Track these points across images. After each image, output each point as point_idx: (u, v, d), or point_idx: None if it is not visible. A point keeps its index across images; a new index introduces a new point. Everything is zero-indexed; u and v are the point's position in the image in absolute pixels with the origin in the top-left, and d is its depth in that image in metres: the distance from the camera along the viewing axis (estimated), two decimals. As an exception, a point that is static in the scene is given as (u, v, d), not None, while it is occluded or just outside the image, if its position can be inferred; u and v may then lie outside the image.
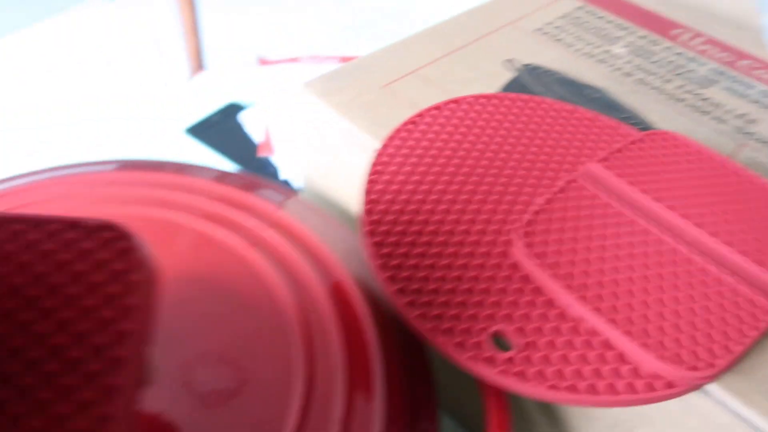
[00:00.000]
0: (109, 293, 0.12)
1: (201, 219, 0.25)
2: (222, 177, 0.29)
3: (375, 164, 0.24)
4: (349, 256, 0.26)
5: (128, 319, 0.11)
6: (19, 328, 0.11)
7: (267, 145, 0.46)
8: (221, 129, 0.48)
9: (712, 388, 0.19)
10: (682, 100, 0.29)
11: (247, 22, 0.62)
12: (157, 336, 0.21)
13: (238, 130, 0.47)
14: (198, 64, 0.85)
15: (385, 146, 0.25)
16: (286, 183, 0.43)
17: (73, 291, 0.12)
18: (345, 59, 0.58)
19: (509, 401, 0.22)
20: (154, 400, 0.19)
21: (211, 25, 0.64)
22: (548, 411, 0.25)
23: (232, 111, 0.49)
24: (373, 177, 0.24)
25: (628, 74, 0.31)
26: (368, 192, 0.23)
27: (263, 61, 0.56)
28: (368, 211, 0.23)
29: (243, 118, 0.48)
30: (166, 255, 0.24)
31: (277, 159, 0.44)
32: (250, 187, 0.29)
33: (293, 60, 0.56)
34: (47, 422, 0.10)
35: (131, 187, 0.27)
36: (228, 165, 0.44)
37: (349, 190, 0.29)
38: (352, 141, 0.27)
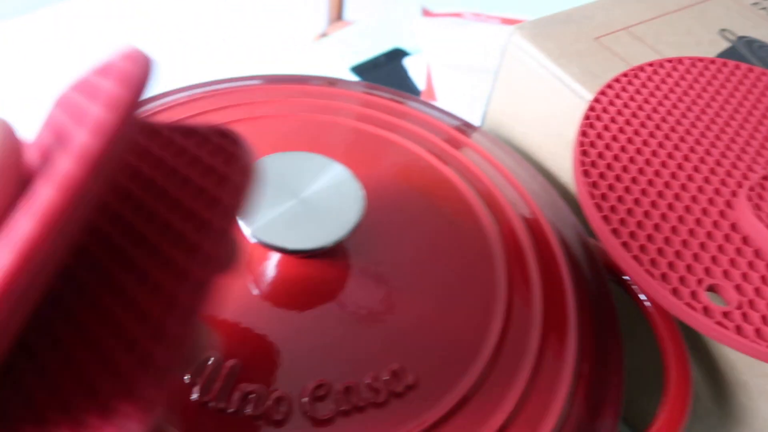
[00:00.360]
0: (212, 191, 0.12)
1: (402, 137, 0.27)
2: (425, 105, 0.30)
3: (591, 110, 0.25)
4: (538, 195, 0.26)
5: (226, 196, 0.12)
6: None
7: (430, 91, 0.47)
8: (386, 71, 0.49)
9: None
10: None
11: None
12: (379, 229, 0.22)
13: (403, 74, 0.49)
14: (338, 14, 0.87)
15: (602, 93, 0.25)
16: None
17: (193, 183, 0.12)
18: (506, 21, 0.58)
19: (690, 365, 0.22)
20: (368, 293, 0.21)
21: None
22: (715, 384, 0.25)
23: (396, 55, 0.51)
24: (589, 122, 0.24)
25: None
26: (583, 134, 0.24)
27: (427, 13, 0.57)
28: (584, 152, 0.23)
29: (408, 63, 0.50)
30: (372, 165, 0.26)
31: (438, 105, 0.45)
32: (443, 113, 0.30)
33: (456, 15, 0.57)
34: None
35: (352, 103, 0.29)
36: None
37: (539, 136, 0.30)
38: (559, 88, 0.27)
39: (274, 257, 0.21)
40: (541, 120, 0.29)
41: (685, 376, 0.22)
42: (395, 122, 0.28)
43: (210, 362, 0.18)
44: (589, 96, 0.26)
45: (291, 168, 0.21)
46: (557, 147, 0.29)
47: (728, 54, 0.29)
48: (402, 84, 0.48)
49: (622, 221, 0.21)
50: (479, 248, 0.23)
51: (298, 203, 0.20)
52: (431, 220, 0.24)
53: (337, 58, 0.51)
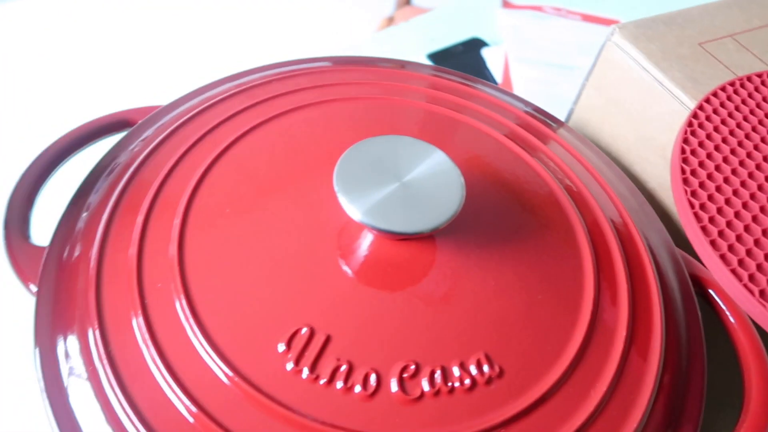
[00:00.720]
0: None
1: (500, 132, 0.27)
2: (508, 95, 0.30)
3: (694, 117, 0.24)
4: (626, 199, 0.26)
5: None
6: None
7: (507, 84, 0.47)
8: (463, 60, 0.49)
9: None
10: None
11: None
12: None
13: (480, 64, 0.49)
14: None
15: (706, 101, 0.25)
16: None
17: None
18: (588, 17, 0.57)
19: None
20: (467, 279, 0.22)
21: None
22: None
23: (474, 45, 0.50)
24: (691, 129, 0.24)
25: None
26: (685, 142, 0.24)
27: (507, 3, 0.56)
28: (684, 160, 0.23)
29: (486, 54, 0.49)
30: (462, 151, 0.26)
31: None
32: (531, 107, 0.30)
33: (536, 8, 0.56)
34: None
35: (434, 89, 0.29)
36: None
37: (629, 139, 0.30)
38: (659, 92, 0.27)
39: (369, 238, 0.21)
40: (633, 123, 0.29)
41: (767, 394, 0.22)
42: (481, 110, 0.28)
43: (303, 332, 0.19)
44: (690, 102, 0.26)
45: (393, 152, 0.21)
46: (648, 152, 0.29)
47: (840, 70, 0.28)
48: (479, 74, 0.48)
49: (721, 233, 0.21)
50: (567, 245, 0.23)
51: (401, 187, 0.20)
52: (519, 211, 0.24)
53: (414, 45, 0.51)
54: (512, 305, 0.21)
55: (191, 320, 0.19)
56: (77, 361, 0.19)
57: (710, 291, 0.24)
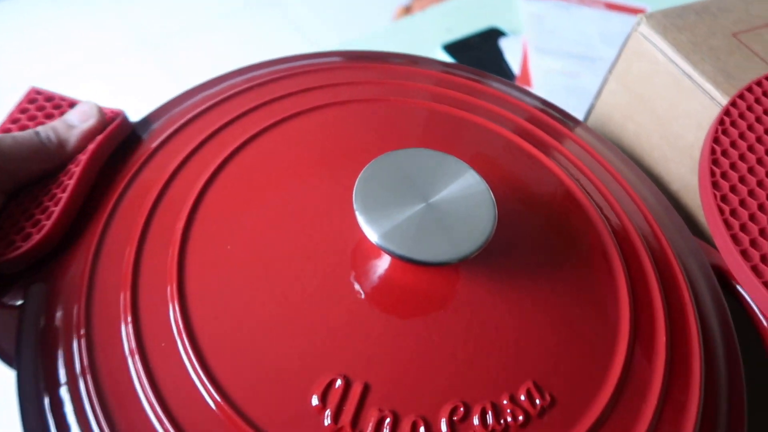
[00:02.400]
0: None
1: (518, 135, 0.26)
2: (524, 93, 0.29)
3: (726, 114, 0.23)
4: (650, 204, 0.25)
5: None
6: None
7: (525, 76, 0.45)
8: (479, 51, 0.48)
9: None
10: None
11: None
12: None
13: (497, 55, 0.47)
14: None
15: (739, 96, 0.23)
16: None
17: None
18: (611, 6, 0.55)
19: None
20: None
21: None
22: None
23: (491, 35, 0.49)
24: (723, 128, 0.23)
25: None
26: (715, 141, 0.22)
27: (527, -8, 0.55)
28: (714, 161, 0.22)
29: (504, 45, 0.48)
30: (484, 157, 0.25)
31: (534, 92, 0.44)
32: (547, 105, 0.29)
33: (559, -3, 0.55)
34: None
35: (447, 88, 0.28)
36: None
37: (654, 137, 0.28)
38: (688, 86, 0.26)
39: (395, 266, 0.20)
40: (659, 120, 0.28)
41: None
42: (497, 111, 0.27)
43: (338, 385, 0.18)
44: (722, 98, 0.24)
45: (420, 167, 0.20)
46: (674, 152, 0.27)
47: None
48: (496, 66, 0.46)
49: (754, 242, 0.20)
50: (598, 261, 0.22)
51: (427, 209, 0.19)
52: (546, 227, 0.23)
53: (430, 36, 0.50)
54: (552, 329, 0.20)
55: (208, 385, 0.17)
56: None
57: (744, 296, 0.23)
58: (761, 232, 0.20)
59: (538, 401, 0.18)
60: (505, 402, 0.18)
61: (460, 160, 0.20)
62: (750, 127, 0.23)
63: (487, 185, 0.20)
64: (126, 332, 0.18)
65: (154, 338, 0.18)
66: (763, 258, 0.20)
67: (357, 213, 0.18)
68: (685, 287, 0.21)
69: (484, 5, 0.53)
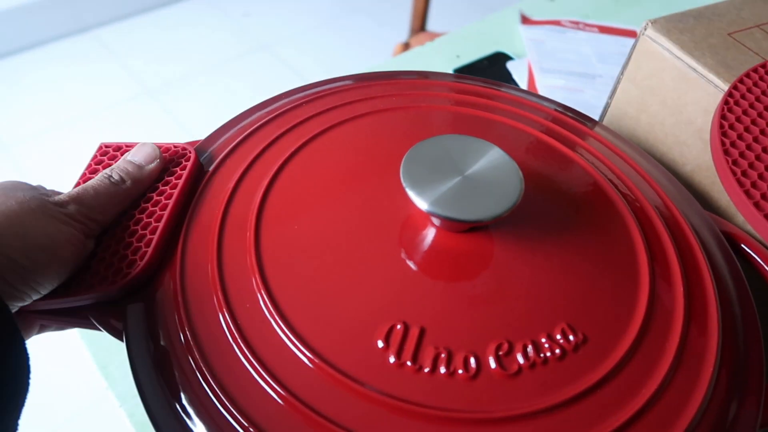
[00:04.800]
0: None
1: (548, 135, 0.30)
2: (544, 101, 0.33)
3: (730, 95, 0.28)
4: (665, 186, 0.29)
5: None
6: None
7: (534, 94, 0.50)
8: (488, 73, 0.53)
9: None
10: None
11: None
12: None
13: (506, 76, 0.52)
14: (420, 25, 0.92)
15: (740, 81, 0.28)
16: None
17: None
18: (605, 29, 0.61)
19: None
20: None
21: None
22: None
23: (499, 59, 0.54)
24: (728, 106, 0.27)
25: None
26: (723, 117, 0.27)
27: (525, 20, 0.60)
28: (724, 134, 0.26)
29: (511, 66, 0.53)
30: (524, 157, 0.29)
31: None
32: (563, 107, 0.33)
33: (554, 22, 0.61)
34: None
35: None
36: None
37: (667, 125, 0.33)
38: (694, 78, 0.30)
39: (441, 233, 0.24)
40: (670, 109, 0.32)
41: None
42: (521, 113, 0.31)
43: (399, 327, 0.21)
44: (725, 85, 0.29)
45: (452, 149, 0.24)
46: (685, 136, 0.32)
47: None
48: (505, 85, 0.51)
49: (764, 195, 0.24)
50: (617, 226, 0.26)
51: (463, 180, 0.23)
52: (569, 201, 0.27)
53: (441, 62, 0.55)
54: (579, 279, 0.23)
55: (291, 336, 0.21)
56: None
57: (757, 259, 0.27)
58: (759, 176, 0.24)
59: (572, 338, 0.21)
60: (543, 340, 0.21)
61: (487, 141, 0.25)
62: (751, 105, 0.27)
63: (512, 159, 0.24)
64: (216, 299, 0.22)
65: (240, 301, 0.22)
66: (763, 198, 0.24)
67: (405, 187, 0.23)
68: (695, 242, 0.26)
69: (488, 33, 0.58)
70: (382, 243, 0.24)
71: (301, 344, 0.21)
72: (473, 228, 0.24)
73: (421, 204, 0.22)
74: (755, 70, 0.29)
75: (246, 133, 0.29)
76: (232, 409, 0.19)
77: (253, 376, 0.20)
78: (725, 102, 0.27)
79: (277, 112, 0.30)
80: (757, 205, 0.24)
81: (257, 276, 0.22)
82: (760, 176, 0.25)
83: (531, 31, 0.57)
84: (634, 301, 0.23)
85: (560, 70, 0.53)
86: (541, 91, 0.50)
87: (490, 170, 0.24)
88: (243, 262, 0.23)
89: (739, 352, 0.23)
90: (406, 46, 0.91)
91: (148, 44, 1.54)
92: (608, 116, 0.36)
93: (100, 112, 1.34)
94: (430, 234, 0.24)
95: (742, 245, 0.27)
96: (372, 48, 1.55)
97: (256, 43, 1.62)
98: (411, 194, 0.23)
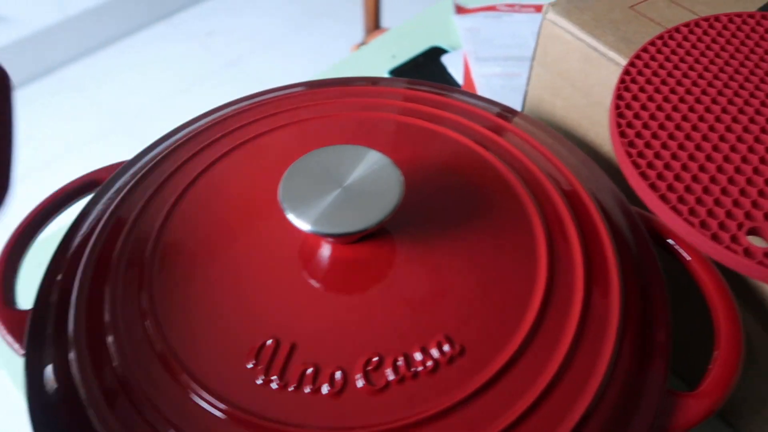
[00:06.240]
0: None
1: (456, 131, 0.30)
2: (469, 96, 0.33)
3: (626, 74, 0.27)
4: (580, 169, 0.29)
5: None
6: None
7: (469, 85, 0.50)
8: (424, 70, 0.52)
9: None
10: None
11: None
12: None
13: (441, 71, 0.52)
14: (374, 24, 0.92)
15: (637, 57, 0.27)
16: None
17: None
18: (539, 8, 0.60)
19: (740, 317, 0.24)
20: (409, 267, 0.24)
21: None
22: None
23: (434, 54, 0.54)
24: (624, 85, 0.26)
25: None
26: (619, 98, 0.26)
27: (460, 9, 0.60)
28: (620, 114, 0.25)
29: (446, 60, 0.53)
30: (422, 155, 0.29)
31: (480, 99, 0.48)
32: (481, 100, 0.33)
33: (490, 8, 0.60)
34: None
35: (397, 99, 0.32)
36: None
37: (580, 108, 0.32)
38: (596, 57, 0.30)
39: (322, 244, 0.24)
40: (581, 91, 0.32)
41: (736, 329, 0.23)
42: (437, 113, 0.31)
43: (269, 343, 0.21)
44: (625, 62, 0.28)
45: (332, 161, 0.24)
46: (599, 116, 0.31)
47: (770, 9, 0.31)
48: (441, 81, 0.51)
49: (660, 175, 0.23)
50: (519, 221, 0.25)
51: (343, 192, 0.23)
52: (472, 200, 0.26)
53: (377, 64, 0.55)
54: (468, 286, 0.23)
55: (169, 359, 0.21)
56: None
57: (668, 241, 0.26)
58: (666, 166, 0.24)
59: (447, 349, 0.21)
60: (416, 353, 0.21)
61: (367, 147, 0.24)
62: (648, 81, 0.27)
63: (391, 162, 0.24)
64: (107, 315, 0.22)
65: (130, 322, 0.22)
66: (669, 187, 0.23)
67: (284, 210, 0.23)
68: (603, 226, 0.25)
69: (423, 28, 0.58)
70: (270, 261, 0.24)
71: (177, 366, 0.21)
72: (361, 238, 0.24)
73: (299, 223, 0.22)
74: (652, 43, 0.28)
75: (158, 159, 0.28)
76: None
77: (125, 398, 0.20)
78: (621, 81, 0.27)
79: (185, 138, 0.30)
80: (652, 186, 0.23)
81: (146, 305, 0.22)
82: (656, 155, 0.24)
83: (466, 20, 0.57)
84: (525, 305, 0.23)
85: (497, 57, 0.52)
86: (477, 82, 0.50)
87: (371, 177, 0.24)
88: (135, 293, 0.23)
89: (643, 318, 0.23)
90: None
91: (117, 75, 1.54)
92: (527, 103, 0.36)
93: (79, 149, 1.35)
94: (320, 248, 0.24)
95: (668, 240, 0.26)
96: (341, 50, 1.55)
97: (225, 60, 1.62)
98: (288, 214, 0.22)
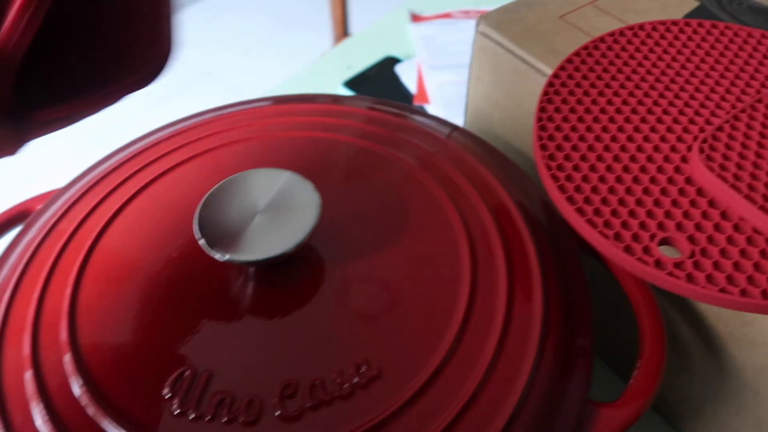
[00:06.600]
0: None
1: (373, 142, 0.30)
2: (403, 110, 0.33)
3: (550, 85, 0.27)
4: (510, 181, 0.29)
5: None
6: None
7: (422, 94, 0.50)
8: (378, 81, 0.53)
9: None
10: None
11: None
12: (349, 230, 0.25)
13: (395, 81, 0.52)
14: (342, 31, 0.92)
15: (561, 68, 0.28)
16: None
17: None
18: (504, 15, 0.61)
19: (665, 327, 0.24)
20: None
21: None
22: (705, 339, 0.26)
23: (388, 64, 0.54)
24: (547, 97, 0.27)
25: (834, 2, 0.31)
26: (542, 110, 0.26)
27: (416, 18, 0.60)
28: (542, 127, 0.26)
29: (399, 70, 0.53)
30: (342, 170, 0.29)
31: (431, 107, 0.48)
32: (420, 115, 0.33)
33: (445, 16, 0.60)
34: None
35: (336, 117, 0.32)
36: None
37: (516, 120, 0.32)
38: (525, 69, 0.30)
39: (244, 271, 0.24)
40: (514, 102, 0.32)
41: (659, 339, 0.24)
42: (367, 129, 0.31)
43: (186, 374, 0.21)
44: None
45: (249, 186, 0.24)
46: (531, 128, 0.31)
47: (696, 13, 0.31)
48: (395, 91, 0.51)
49: (578, 188, 0.24)
50: (444, 237, 0.26)
51: (259, 218, 0.23)
52: (397, 218, 0.26)
53: (332, 77, 0.55)
54: (388, 307, 0.23)
55: (87, 385, 0.21)
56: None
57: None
58: (584, 178, 0.24)
59: (364, 372, 0.21)
60: (334, 377, 0.21)
61: (285, 170, 0.25)
62: (571, 92, 0.27)
63: (308, 182, 0.24)
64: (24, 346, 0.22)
65: (47, 353, 0.22)
66: (586, 200, 0.23)
67: (199, 241, 0.22)
68: (529, 240, 0.25)
69: (379, 38, 0.58)
70: (190, 289, 0.24)
71: (97, 398, 0.21)
72: (281, 262, 0.24)
73: (214, 253, 0.22)
74: (577, 54, 0.28)
75: (87, 188, 0.28)
76: None
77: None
78: (545, 93, 0.27)
79: (116, 164, 0.30)
80: (570, 199, 0.24)
81: (65, 338, 0.22)
82: (575, 167, 0.24)
83: (421, 28, 0.57)
84: (452, 308, 0.23)
85: (451, 65, 0.53)
86: (430, 90, 0.50)
87: (288, 201, 0.24)
88: (56, 332, 0.23)
89: (565, 327, 0.24)
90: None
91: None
92: (468, 115, 0.36)
93: (53, 165, 1.34)
94: (237, 275, 0.24)
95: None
96: (303, 60, 1.55)
97: (200, 72, 1.62)
98: (203, 244, 0.23)
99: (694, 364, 0.28)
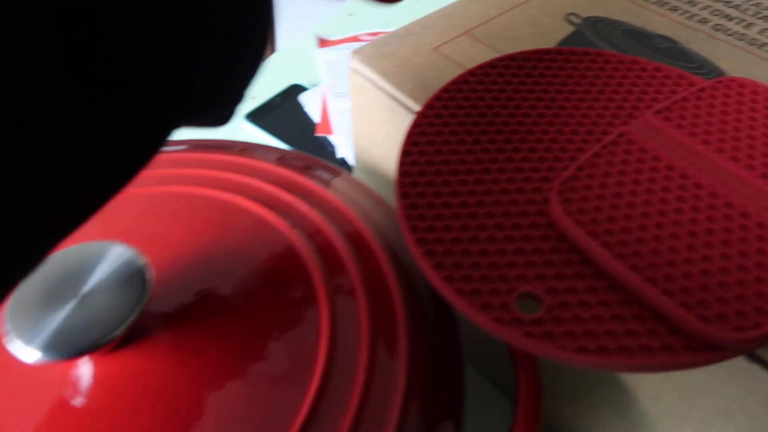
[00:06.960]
0: None
1: (254, 201, 0.28)
2: (281, 158, 0.31)
3: (415, 125, 0.26)
4: (386, 230, 0.27)
5: None
6: None
7: (325, 123, 0.48)
8: (281, 111, 0.51)
9: (763, 352, 0.19)
10: (765, 45, 0.28)
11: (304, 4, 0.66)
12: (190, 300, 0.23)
13: (298, 111, 0.50)
14: (270, 47, 0.90)
15: (429, 107, 0.26)
16: (342, 161, 0.46)
17: None
18: (414, 34, 0.60)
19: (540, 369, 0.23)
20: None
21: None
22: (594, 380, 0.25)
23: (293, 93, 0.52)
24: (411, 139, 0.25)
25: (704, 21, 0.30)
26: (405, 154, 0.25)
27: (323, 42, 0.59)
28: (404, 173, 0.24)
29: (303, 99, 0.51)
30: (216, 232, 0.27)
31: (334, 138, 0.47)
32: (304, 168, 0.31)
33: (353, 39, 0.59)
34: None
35: (196, 167, 0.30)
36: (286, 147, 0.47)
37: (393, 156, 0.31)
38: (394, 107, 0.29)
39: (76, 366, 0.21)
40: (392, 141, 0.30)
41: (536, 394, 0.22)
42: (231, 179, 0.29)
43: None
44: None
45: (70, 264, 0.21)
46: (411, 167, 0.30)
47: (571, 39, 0.30)
48: (298, 121, 0.49)
49: (439, 240, 0.22)
50: (305, 298, 0.24)
51: (79, 303, 0.20)
52: (254, 280, 0.24)
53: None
54: (237, 385, 0.21)
55: None
56: None
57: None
58: (445, 228, 0.22)
59: None
60: None
61: (112, 242, 0.22)
62: (438, 133, 0.26)
63: (138, 255, 0.21)
64: None
65: None
66: (446, 252, 0.22)
67: (6, 340, 0.20)
68: (398, 296, 0.24)
69: (285, 65, 0.56)
70: (28, 387, 0.21)
71: None
72: (116, 347, 0.21)
73: (23, 355, 0.19)
74: (446, 90, 0.27)
75: None
76: None
77: None
78: (409, 135, 0.26)
79: None
80: (429, 253, 0.22)
81: None
82: (437, 216, 0.23)
83: (328, 53, 0.56)
84: (308, 377, 0.21)
85: (356, 92, 0.51)
86: (334, 119, 0.48)
87: (114, 278, 0.21)
88: None
89: (432, 382, 0.23)
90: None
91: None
92: (355, 153, 0.35)
93: None
94: (70, 368, 0.21)
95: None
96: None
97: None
98: (10, 346, 0.19)
99: (562, 392, 0.27)
